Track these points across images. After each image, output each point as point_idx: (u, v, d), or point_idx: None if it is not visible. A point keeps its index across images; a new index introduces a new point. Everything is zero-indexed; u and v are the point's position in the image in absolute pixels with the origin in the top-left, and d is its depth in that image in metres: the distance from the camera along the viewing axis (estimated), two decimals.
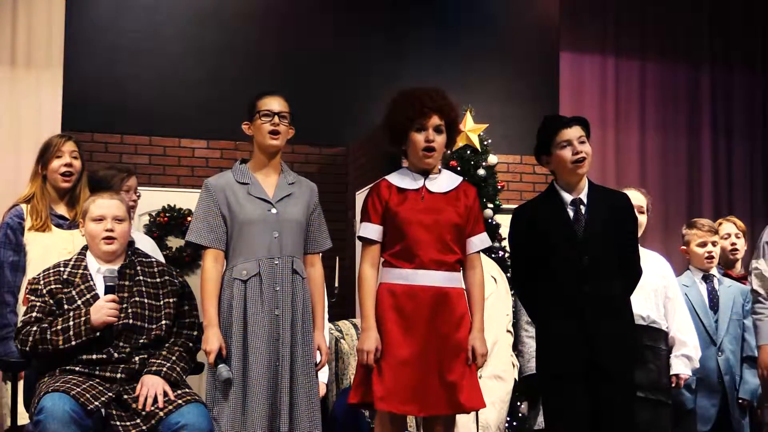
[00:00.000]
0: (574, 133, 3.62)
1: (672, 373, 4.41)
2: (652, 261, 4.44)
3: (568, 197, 3.62)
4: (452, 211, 3.49)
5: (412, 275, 3.42)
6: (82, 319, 3.44)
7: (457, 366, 3.41)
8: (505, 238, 5.60)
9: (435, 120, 3.49)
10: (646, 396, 4.20)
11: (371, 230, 3.49)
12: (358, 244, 7.32)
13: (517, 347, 4.60)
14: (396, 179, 3.54)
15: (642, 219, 4.42)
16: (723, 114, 7.53)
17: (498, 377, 4.37)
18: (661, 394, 4.30)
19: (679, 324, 4.46)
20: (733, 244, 5.15)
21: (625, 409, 3.53)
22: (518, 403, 4.92)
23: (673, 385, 4.43)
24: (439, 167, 3.60)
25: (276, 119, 3.58)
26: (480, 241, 3.57)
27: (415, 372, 3.36)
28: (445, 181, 3.56)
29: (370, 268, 3.48)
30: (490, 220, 5.64)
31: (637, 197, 4.44)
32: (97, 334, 3.44)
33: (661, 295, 4.42)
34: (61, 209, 4.18)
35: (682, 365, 4.42)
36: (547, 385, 3.61)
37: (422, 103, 3.48)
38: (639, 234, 4.41)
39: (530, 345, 4.52)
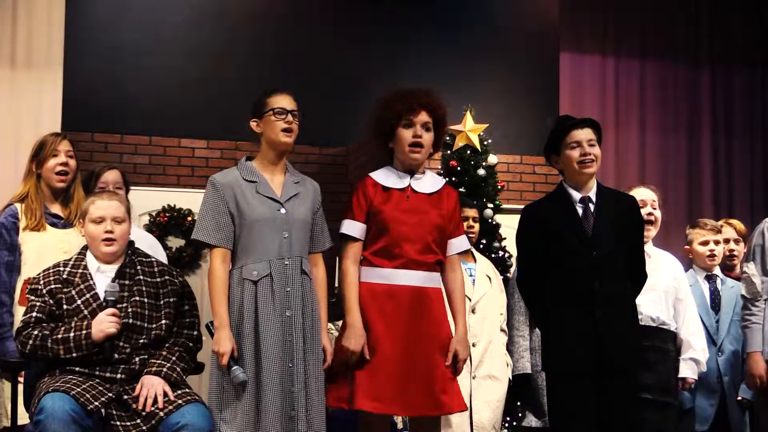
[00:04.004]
0: (584, 135, 3.63)
1: (679, 376, 4.40)
2: (665, 261, 4.45)
3: (576, 195, 3.64)
4: (436, 213, 3.50)
5: (392, 275, 3.43)
6: (83, 332, 3.42)
7: (438, 366, 3.41)
8: (505, 238, 5.61)
9: (423, 116, 3.49)
10: (655, 398, 4.20)
11: (354, 228, 3.50)
12: None
13: (507, 346, 4.61)
14: (381, 177, 3.54)
15: (657, 214, 4.45)
16: (723, 114, 7.53)
17: (493, 377, 4.38)
18: (669, 395, 4.30)
19: (688, 326, 4.44)
20: (731, 250, 5.15)
21: (631, 407, 3.55)
22: (518, 403, 4.93)
23: (680, 388, 4.42)
24: (424, 167, 3.60)
25: (289, 117, 3.57)
26: (460, 243, 3.59)
27: (396, 371, 3.36)
28: (429, 182, 3.57)
29: (352, 265, 3.47)
30: (489, 220, 5.64)
31: (648, 194, 4.46)
32: (96, 349, 3.43)
33: (672, 296, 4.40)
34: (56, 208, 4.16)
35: (688, 369, 4.41)
36: (556, 382, 3.62)
37: (411, 99, 3.49)
38: (656, 229, 4.44)
39: (520, 344, 4.55)
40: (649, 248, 4.38)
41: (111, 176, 4.23)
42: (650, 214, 4.40)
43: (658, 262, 4.39)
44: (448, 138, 5.74)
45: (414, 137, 3.48)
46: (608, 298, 3.54)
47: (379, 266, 3.44)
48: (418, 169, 3.55)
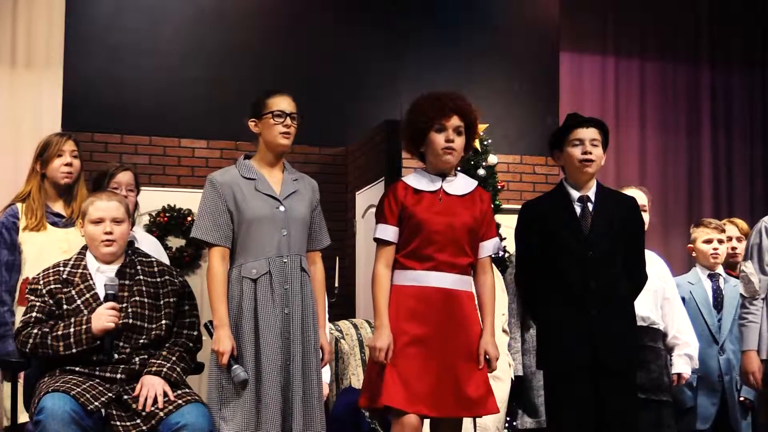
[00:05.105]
0: (588, 134, 3.63)
1: (674, 372, 4.44)
2: (652, 261, 4.45)
3: (575, 194, 3.64)
4: (468, 215, 3.48)
5: (423, 277, 3.42)
6: (83, 327, 3.43)
7: (468, 369, 3.40)
8: (505, 238, 5.61)
9: (455, 121, 3.48)
10: (649, 397, 4.23)
11: (387, 231, 3.47)
12: (359, 244, 7.34)
13: None
14: (413, 180, 3.53)
15: (645, 217, 4.47)
16: (723, 114, 7.54)
17: (495, 378, 4.37)
18: (663, 394, 4.33)
19: (678, 324, 4.48)
20: (733, 248, 5.16)
21: (628, 406, 3.55)
22: (513, 404, 4.94)
23: (675, 383, 4.45)
24: (456, 170, 3.60)
25: (288, 120, 3.57)
26: (492, 245, 3.57)
27: (426, 372, 3.36)
28: (461, 184, 3.56)
29: (384, 268, 3.45)
30: None
31: (639, 196, 4.46)
32: (97, 342, 3.43)
33: (660, 295, 4.45)
34: (58, 206, 4.17)
35: (683, 364, 4.45)
36: (553, 382, 3.62)
37: (443, 103, 3.47)
38: (644, 230, 4.45)
39: (512, 347, 4.57)
40: None
41: (125, 178, 4.22)
42: None
43: (647, 262, 4.41)
44: None
45: (446, 141, 3.47)
46: (604, 298, 3.54)
47: (411, 268, 3.43)
48: (450, 172, 3.55)
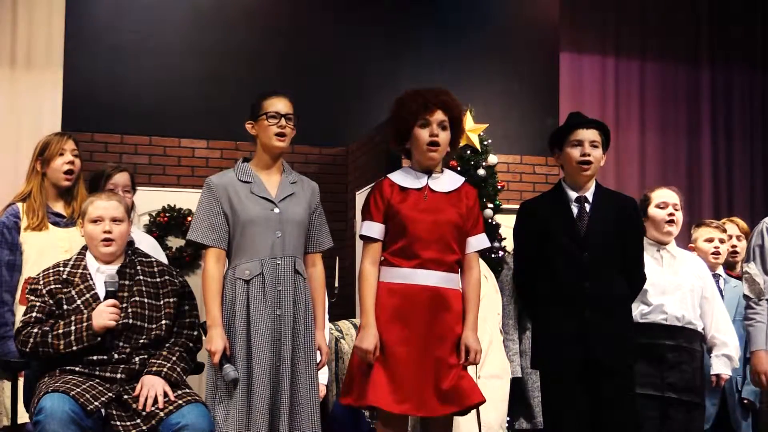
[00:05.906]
0: (588, 135, 3.64)
1: (713, 372, 4.38)
2: (689, 261, 4.43)
3: (573, 194, 3.65)
4: (454, 212, 3.49)
5: (410, 274, 3.42)
6: (84, 324, 3.43)
7: (454, 366, 3.41)
8: (505, 238, 5.61)
9: (439, 115, 3.49)
10: (680, 398, 4.16)
11: (373, 229, 3.49)
12: (359, 244, 7.32)
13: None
14: (398, 178, 3.54)
15: (679, 216, 4.40)
16: (723, 114, 7.54)
17: (496, 376, 4.38)
18: (696, 395, 4.25)
19: (718, 324, 4.40)
20: (733, 246, 5.16)
21: (623, 407, 3.54)
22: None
23: (714, 384, 4.40)
24: (442, 167, 3.60)
25: (283, 121, 3.57)
26: (478, 241, 3.57)
27: (412, 371, 3.36)
28: (447, 180, 3.56)
29: (371, 266, 3.47)
30: (489, 220, 5.64)
31: (671, 195, 4.41)
32: (98, 339, 3.43)
33: (697, 295, 4.36)
34: (59, 206, 4.18)
35: (723, 365, 4.38)
36: (548, 382, 3.62)
37: (426, 99, 3.49)
38: (678, 230, 4.40)
39: (510, 348, 4.56)
40: (673, 248, 4.36)
41: (121, 179, 4.25)
42: (671, 214, 4.35)
43: (682, 261, 4.38)
44: None
45: (431, 136, 3.48)
46: (599, 299, 3.54)
47: (397, 266, 3.44)
48: (436, 168, 3.55)
